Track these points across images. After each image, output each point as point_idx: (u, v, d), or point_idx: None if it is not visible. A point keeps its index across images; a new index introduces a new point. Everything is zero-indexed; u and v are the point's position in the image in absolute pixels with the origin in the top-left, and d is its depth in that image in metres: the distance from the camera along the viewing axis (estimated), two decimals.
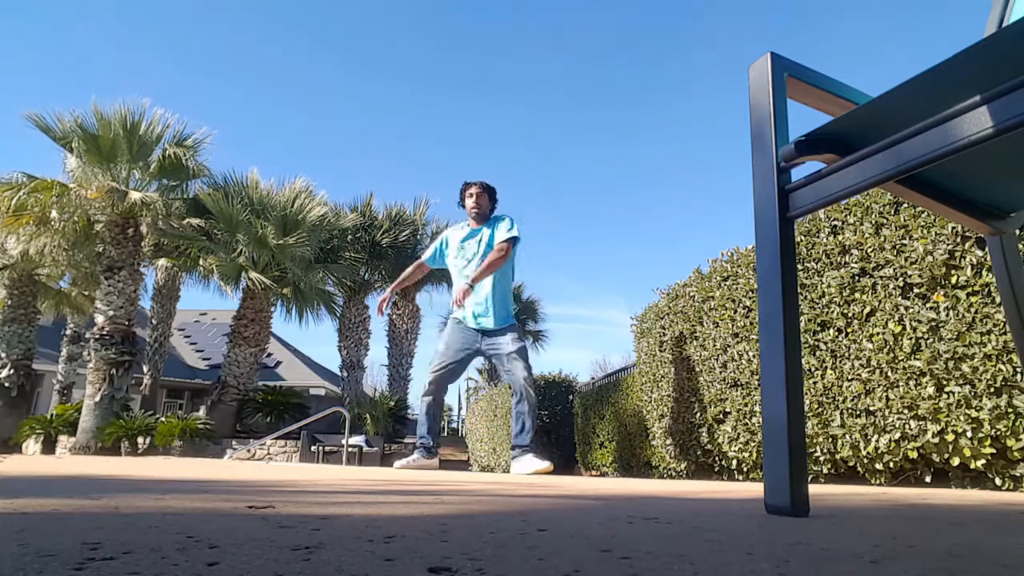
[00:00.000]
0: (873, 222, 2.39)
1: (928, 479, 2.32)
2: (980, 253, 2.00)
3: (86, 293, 14.38)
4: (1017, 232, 1.36)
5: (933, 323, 2.11)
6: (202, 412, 12.04)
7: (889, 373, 2.27)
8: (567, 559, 0.61)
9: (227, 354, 12.14)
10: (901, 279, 2.25)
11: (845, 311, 2.49)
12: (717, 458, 3.50)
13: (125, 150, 11.20)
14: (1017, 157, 1.09)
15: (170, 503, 1.19)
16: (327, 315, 13.99)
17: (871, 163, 0.96)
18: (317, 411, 10.73)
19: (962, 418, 2.01)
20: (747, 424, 3.12)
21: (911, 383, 2.19)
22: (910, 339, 2.19)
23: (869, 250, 2.40)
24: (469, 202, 4.18)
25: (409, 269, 4.57)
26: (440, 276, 14.71)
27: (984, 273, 1.99)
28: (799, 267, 2.72)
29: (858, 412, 2.40)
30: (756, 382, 3.03)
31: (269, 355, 20.58)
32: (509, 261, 4.03)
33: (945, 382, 2.07)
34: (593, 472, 6.24)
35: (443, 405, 4.22)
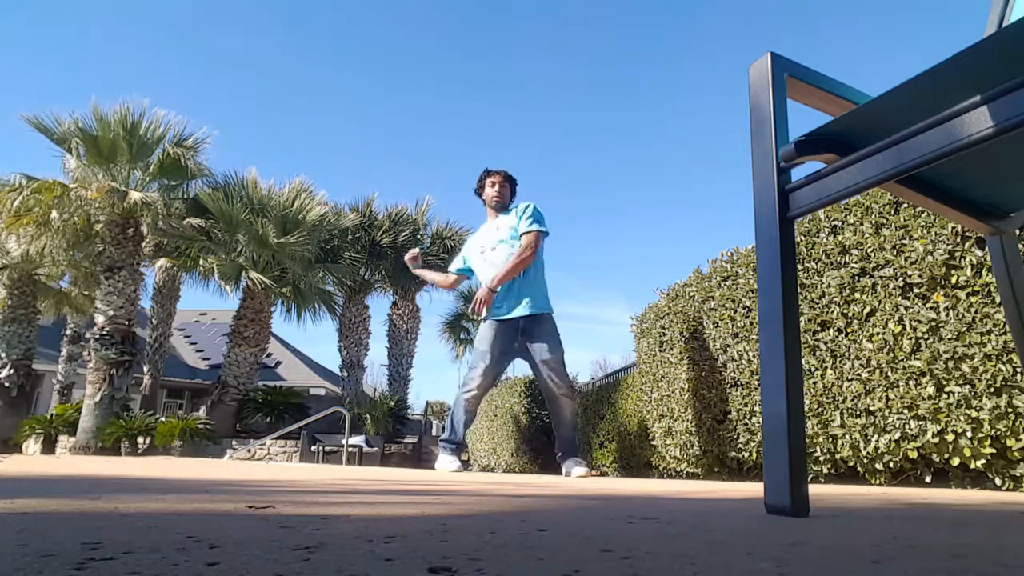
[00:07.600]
0: (873, 222, 2.39)
1: (928, 479, 2.32)
2: (980, 253, 2.00)
3: (86, 293, 14.39)
4: (1017, 232, 1.36)
5: (933, 323, 2.11)
6: (202, 412, 12.05)
7: (889, 373, 2.27)
8: (567, 559, 0.61)
9: (227, 354, 12.14)
10: (901, 279, 2.25)
11: (845, 311, 2.49)
12: (717, 458, 3.50)
13: (125, 150, 11.21)
14: (1017, 157, 1.09)
15: (170, 503, 1.19)
16: (327, 315, 14.00)
17: (871, 163, 0.96)
18: (317, 411, 10.74)
19: (962, 418, 2.01)
20: (747, 424, 3.12)
21: (911, 383, 2.19)
22: (910, 339, 2.19)
23: (869, 250, 2.40)
24: (491, 191, 3.89)
25: (438, 276, 4.39)
26: None
27: (984, 273, 1.99)
28: (799, 267, 2.72)
29: (858, 412, 2.40)
30: (756, 382, 3.03)
31: (269, 355, 20.58)
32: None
33: (945, 382, 2.07)
34: (593, 472, 6.24)
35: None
